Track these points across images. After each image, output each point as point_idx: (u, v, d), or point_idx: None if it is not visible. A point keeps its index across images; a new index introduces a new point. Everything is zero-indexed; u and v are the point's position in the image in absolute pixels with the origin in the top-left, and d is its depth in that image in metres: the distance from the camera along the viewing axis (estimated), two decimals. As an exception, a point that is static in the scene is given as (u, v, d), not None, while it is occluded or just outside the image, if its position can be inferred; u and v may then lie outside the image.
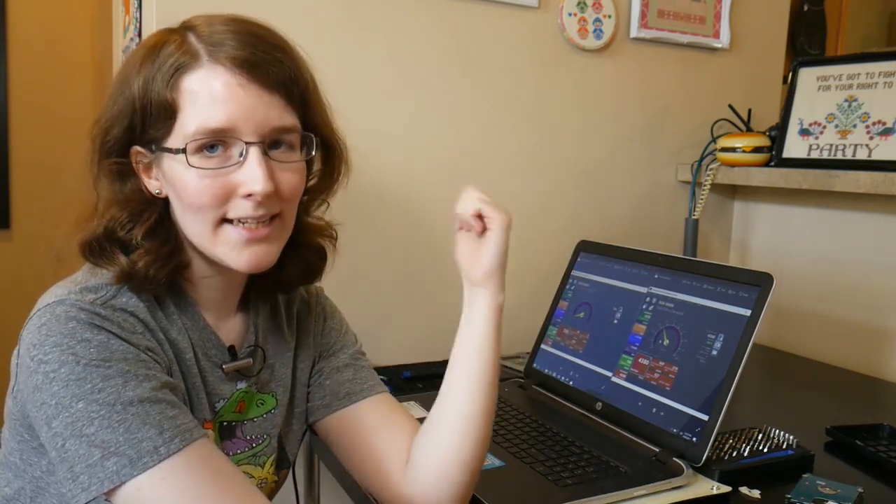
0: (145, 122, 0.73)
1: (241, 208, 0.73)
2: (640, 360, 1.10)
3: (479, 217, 0.81)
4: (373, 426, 0.88)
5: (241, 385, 0.84)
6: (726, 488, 0.94)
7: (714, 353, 1.01)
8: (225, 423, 0.83)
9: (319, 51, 1.39)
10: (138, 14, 1.34)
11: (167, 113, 0.72)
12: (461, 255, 0.83)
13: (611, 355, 1.16)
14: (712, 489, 0.93)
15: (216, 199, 0.72)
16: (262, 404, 0.87)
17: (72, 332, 0.67)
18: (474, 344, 0.81)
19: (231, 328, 0.85)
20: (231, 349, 0.83)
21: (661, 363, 1.07)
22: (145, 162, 0.76)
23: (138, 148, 0.76)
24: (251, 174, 0.72)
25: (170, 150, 0.72)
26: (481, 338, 0.81)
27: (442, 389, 0.83)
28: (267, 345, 0.88)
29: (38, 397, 0.66)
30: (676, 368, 1.04)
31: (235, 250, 0.75)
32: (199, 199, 0.72)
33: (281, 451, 0.90)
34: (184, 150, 0.71)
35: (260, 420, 0.86)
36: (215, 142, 0.72)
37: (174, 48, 0.73)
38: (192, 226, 0.75)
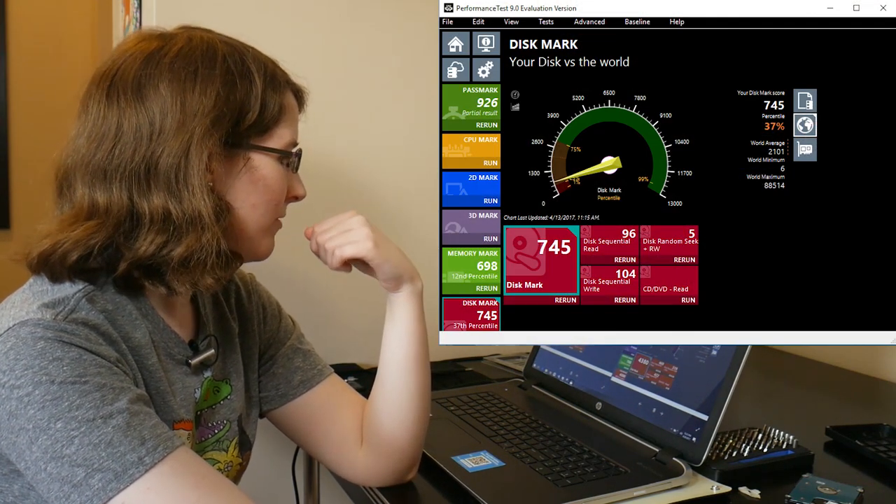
0: (251, 120, 0.78)
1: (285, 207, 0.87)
2: (639, 360, 1.10)
3: (347, 263, 0.88)
4: (327, 408, 0.96)
5: (207, 374, 0.86)
6: (726, 488, 0.94)
7: (714, 352, 1.00)
8: (198, 413, 0.85)
9: (318, 50, 1.40)
10: (138, 14, 1.34)
11: (274, 119, 0.80)
12: (375, 275, 0.90)
13: (611, 355, 1.15)
14: (712, 489, 0.93)
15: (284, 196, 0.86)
16: (218, 391, 0.89)
17: (42, 352, 0.65)
18: (403, 334, 0.90)
19: (185, 323, 0.86)
20: (192, 343, 0.85)
21: (661, 363, 1.07)
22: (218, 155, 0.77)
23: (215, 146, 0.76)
24: (299, 181, 0.87)
25: (271, 150, 0.81)
26: (406, 329, 0.90)
27: (379, 376, 0.92)
28: (217, 333, 0.90)
29: (14, 424, 0.65)
30: (676, 368, 1.04)
31: (272, 240, 0.86)
32: (280, 195, 0.83)
33: (242, 435, 0.92)
34: (287, 153, 0.82)
35: (218, 407, 0.88)
36: None
37: (258, 62, 0.80)
38: (262, 217, 0.82)
